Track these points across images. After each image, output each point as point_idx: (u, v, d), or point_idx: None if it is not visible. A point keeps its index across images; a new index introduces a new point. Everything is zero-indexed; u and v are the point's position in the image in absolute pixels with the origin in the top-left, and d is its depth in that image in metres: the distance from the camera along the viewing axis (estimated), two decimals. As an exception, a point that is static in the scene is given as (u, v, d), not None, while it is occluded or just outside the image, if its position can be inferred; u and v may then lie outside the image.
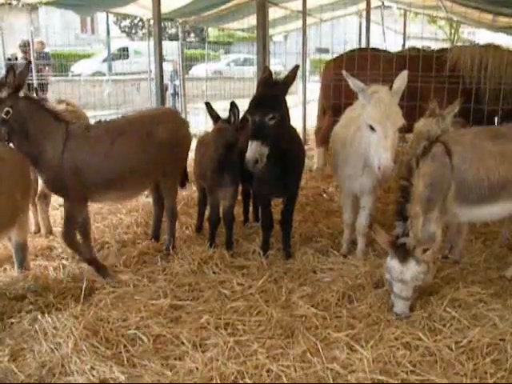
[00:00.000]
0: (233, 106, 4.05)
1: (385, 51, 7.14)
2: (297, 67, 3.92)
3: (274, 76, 3.91)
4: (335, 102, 6.39)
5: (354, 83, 3.64)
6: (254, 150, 3.55)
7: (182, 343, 3.08)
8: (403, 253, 3.27)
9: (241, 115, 4.15)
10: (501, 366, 2.85)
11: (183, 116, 11.12)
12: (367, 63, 6.00)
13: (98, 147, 3.90)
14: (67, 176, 3.80)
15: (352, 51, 7.27)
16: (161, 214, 4.69)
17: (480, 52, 6.21)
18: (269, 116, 3.60)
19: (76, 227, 3.98)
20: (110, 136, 3.95)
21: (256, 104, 3.68)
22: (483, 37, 16.34)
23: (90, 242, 4.16)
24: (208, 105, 4.30)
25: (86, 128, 4.02)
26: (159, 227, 4.76)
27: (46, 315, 3.31)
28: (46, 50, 10.62)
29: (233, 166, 4.16)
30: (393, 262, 3.31)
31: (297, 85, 10.10)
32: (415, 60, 6.06)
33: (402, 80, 3.63)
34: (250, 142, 3.59)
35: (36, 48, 9.83)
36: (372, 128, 3.52)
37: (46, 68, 9.85)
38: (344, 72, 3.71)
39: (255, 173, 3.83)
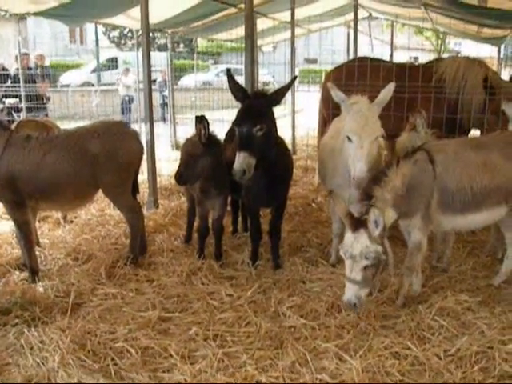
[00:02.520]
0: (202, 119, 4.05)
1: (385, 61, 7.08)
2: (294, 78, 3.93)
3: (261, 87, 3.94)
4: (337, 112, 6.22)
5: (336, 94, 3.68)
6: (241, 161, 3.56)
7: (171, 355, 3.06)
8: (357, 225, 3.20)
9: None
10: (489, 374, 2.87)
11: (173, 126, 11.16)
12: (367, 72, 5.91)
13: (32, 157, 4.08)
14: (1, 180, 3.97)
15: (352, 61, 7.19)
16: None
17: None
18: (256, 127, 3.61)
19: (27, 229, 4.16)
20: (44, 148, 4.12)
21: (243, 115, 3.69)
22: (469, 48, 16.56)
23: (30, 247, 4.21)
24: (197, 118, 4.28)
25: (26, 138, 4.16)
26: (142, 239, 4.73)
27: (33, 329, 3.27)
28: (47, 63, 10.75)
29: (221, 177, 4.16)
30: (347, 235, 3.25)
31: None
32: (415, 69, 6.02)
33: (387, 91, 3.67)
34: (237, 153, 3.60)
35: (36, 61, 10.02)
36: (349, 138, 3.55)
37: (46, 81, 9.95)
38: (329, 84, 3.75)
39: (243, 183, 3.84)
